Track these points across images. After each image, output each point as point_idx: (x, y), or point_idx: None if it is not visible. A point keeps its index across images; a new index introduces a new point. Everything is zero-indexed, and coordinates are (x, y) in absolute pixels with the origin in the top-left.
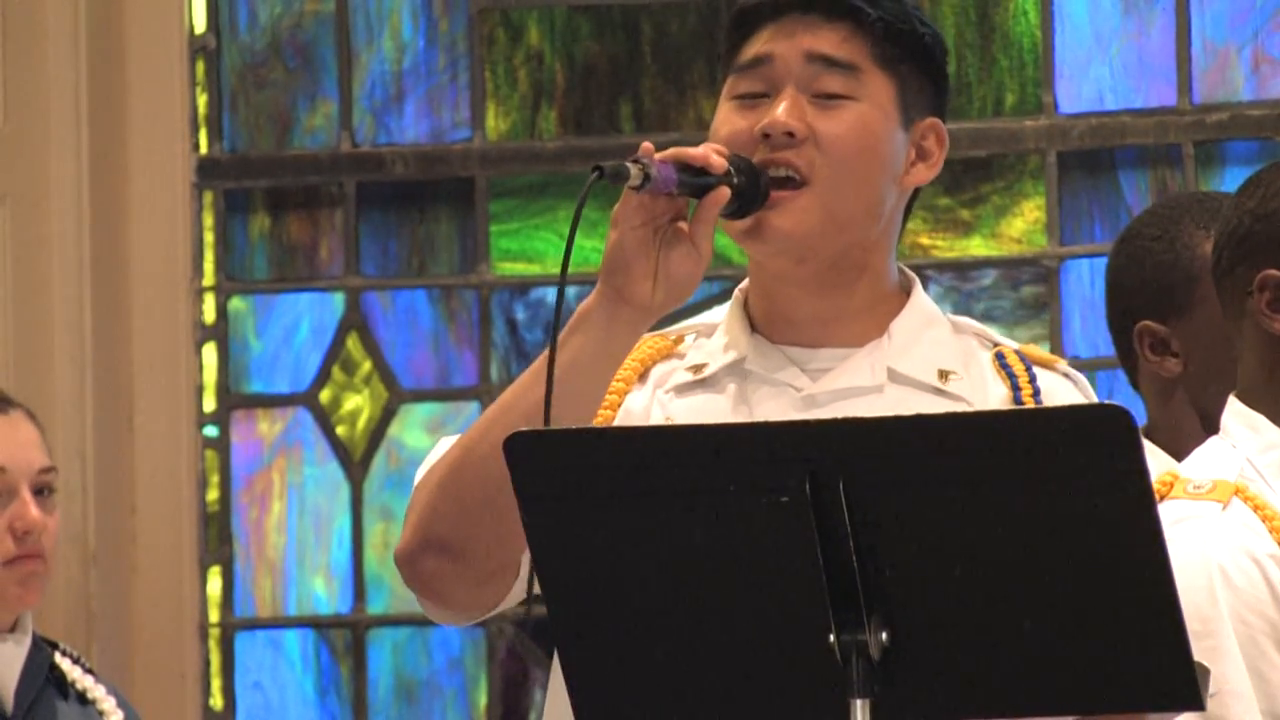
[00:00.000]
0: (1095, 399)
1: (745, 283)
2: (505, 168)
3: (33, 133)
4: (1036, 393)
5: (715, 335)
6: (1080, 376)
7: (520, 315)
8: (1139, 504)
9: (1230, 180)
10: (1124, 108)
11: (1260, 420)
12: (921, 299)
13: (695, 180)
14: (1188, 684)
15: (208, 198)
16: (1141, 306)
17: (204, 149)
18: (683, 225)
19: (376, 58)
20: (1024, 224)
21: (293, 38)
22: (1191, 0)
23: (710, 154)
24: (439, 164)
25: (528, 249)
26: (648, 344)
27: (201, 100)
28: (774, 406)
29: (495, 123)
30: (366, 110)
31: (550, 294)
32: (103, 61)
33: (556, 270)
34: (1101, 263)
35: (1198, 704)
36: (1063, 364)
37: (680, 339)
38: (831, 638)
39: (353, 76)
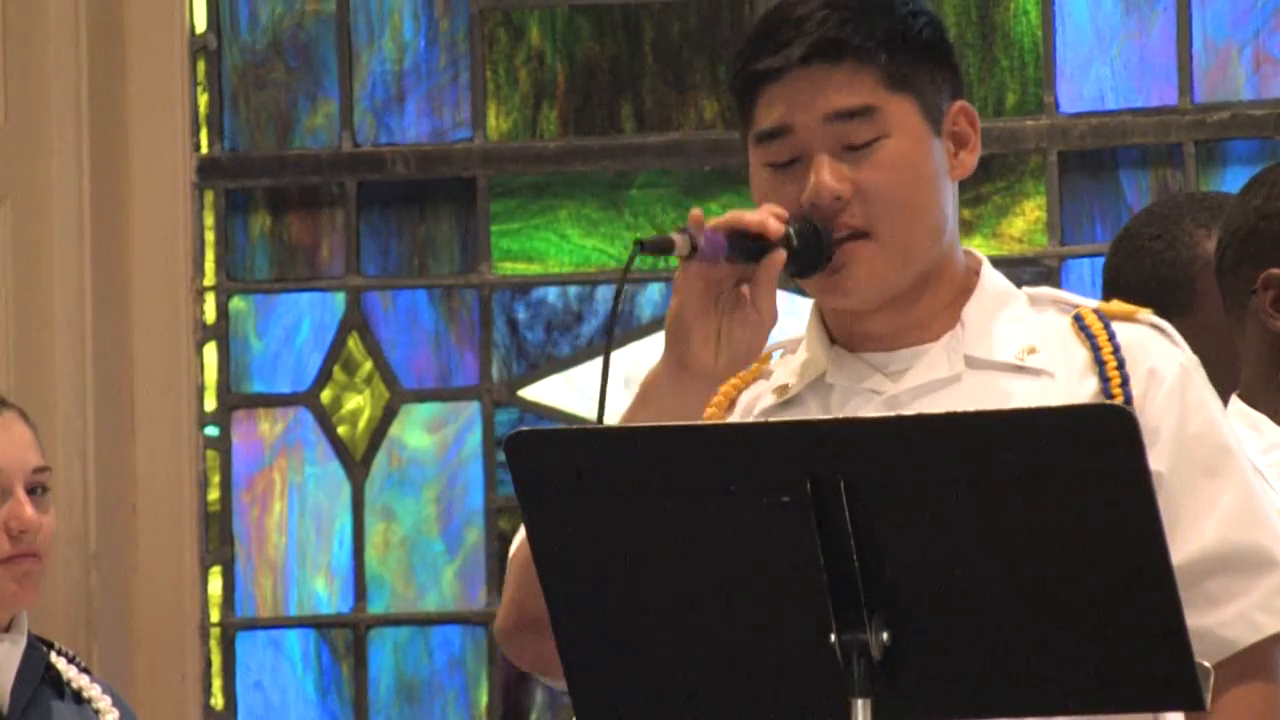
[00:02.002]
0: (1182, 346)
1: None
2: (506, 167)
3: (33, 133)
4: (1116, 349)
5: (799, 350)
6: (1167, 325)
7: (521, 315)
8: (1139, 504)
9: (1231, 180)
10: (1125, 107)
11: (1263, 420)
12: (990, 279)
13: (749, 245)
14: (1188, 684)
15: (208, 197)
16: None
17: (205, 149)
18: (745, 290)
19: (377, 57)
20: (1025, 223)
21: (293, 37)
22: (1192, 0)
23: (768, 219)
24: (440, 164)
25: (528, 249)
26: None
27: (202, 100)
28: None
29: (496, 122)
30: (367, 110)
31: (551, 294)
32: (103, 61)
33: (557, 270)
34: (1103, 262)
35: (1198, 704)
36: (1146, 313)
37: (767, 357)
38: (832, 638)
39: (353, 76)
